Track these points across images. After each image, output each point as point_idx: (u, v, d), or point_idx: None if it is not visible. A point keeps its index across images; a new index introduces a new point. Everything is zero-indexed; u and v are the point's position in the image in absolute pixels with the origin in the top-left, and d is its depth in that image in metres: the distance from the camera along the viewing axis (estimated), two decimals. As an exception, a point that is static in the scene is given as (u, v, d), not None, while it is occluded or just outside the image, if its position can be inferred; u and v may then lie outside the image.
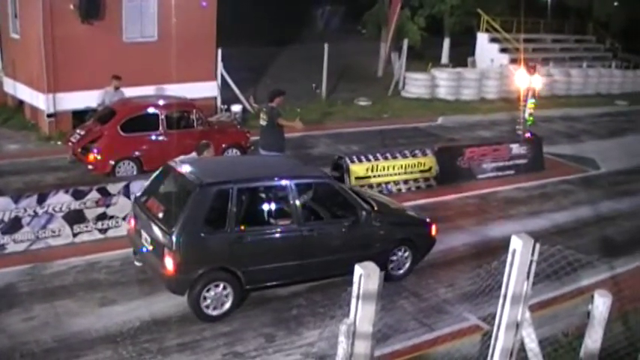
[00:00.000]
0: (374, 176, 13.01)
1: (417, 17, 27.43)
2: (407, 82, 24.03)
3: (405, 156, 13.49)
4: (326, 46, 21.08)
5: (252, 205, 8.62)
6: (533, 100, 15.67)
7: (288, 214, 8.52)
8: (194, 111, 13.51)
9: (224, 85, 18.75)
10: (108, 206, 10.07)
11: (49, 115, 15.58)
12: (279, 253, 8.29)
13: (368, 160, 13.05)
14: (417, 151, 13.77)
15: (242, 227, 8.07)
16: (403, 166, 13.36)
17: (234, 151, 13.81)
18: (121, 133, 12.64)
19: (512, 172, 14.94)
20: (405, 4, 26.04)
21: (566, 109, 23.85)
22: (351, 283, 4.63)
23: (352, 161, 12.87)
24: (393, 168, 13.25)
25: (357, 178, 12.73)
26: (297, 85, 20.86)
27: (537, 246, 5.16)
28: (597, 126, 21.90)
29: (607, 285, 8.56)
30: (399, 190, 13.27)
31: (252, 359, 7.32)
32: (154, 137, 12.93)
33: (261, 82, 21.62)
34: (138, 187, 9.73)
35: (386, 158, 13.26)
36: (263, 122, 11.32)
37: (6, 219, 9.32)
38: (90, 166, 12.54)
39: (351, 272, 4.61)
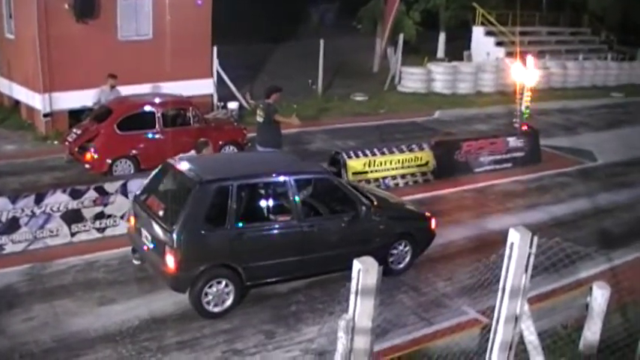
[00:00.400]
0: (371, 171, 13.02)
1: (412, 12, 27.41)
2: (403, 76, 24.02)
3: (402, 151, 13.50)
4: (321, 42, 21.04)
5: (252, 202, 8.64)
6: (528, 93, 15.68)
7: (287, 210, 8.54)
8: (190, 108, 13.51)
9: (220, 83, 18.74)
10: (105, 205, 10.06)
11: (45, 115, 15.54)
12: (280, 249, 8.30)
13: (365, 155, 13.06)
14: (413, 146, 13.78)
15: (242, 224, 8.09)
16: (400, 161, 13.36)
17: (232, 148, 13.80)
18: (118, 131, 12.62)
19: (509, 165, 14.95)
20: (401, -1, 26.05)
21: (563, 101, 23.85)
22: (349, 279, 4.64)
23: (349, 156, 12.88)
24: (391, 163, 13.25)
25: (355, 173, 12.74)
26: (294, 81, 20.84)
27: (535, 239, 5.16)
28: (594, 118, 21.90)
29: (605, 277, 8.58)
30: (397, 184, 13.28)
31: (251, 356, 7.33)
32: (150, 135, 12.91)
33: (258, 78, 21.60)
34: (135, 185, 9.73)
35: (383, 153, 13.26)
36: (260, 119, 11.32)
37: (3, 219, 9.31)
38: (87, 165, 12.52)
39: (352, 267, 4.61)
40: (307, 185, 9.13)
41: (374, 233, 8.91)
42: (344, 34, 28.85)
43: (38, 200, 9.53)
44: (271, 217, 8.60)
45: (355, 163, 12.83)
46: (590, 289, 6.31)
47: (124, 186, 10.15)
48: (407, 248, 9.33)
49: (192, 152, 9.82)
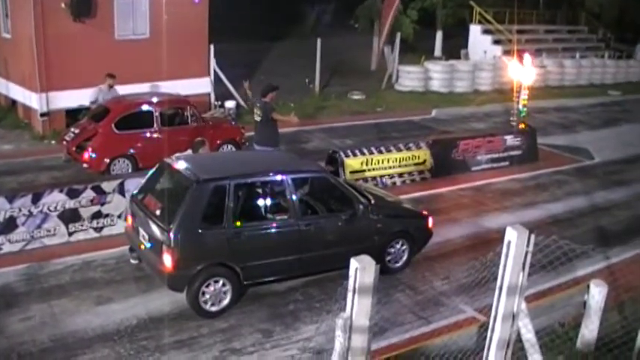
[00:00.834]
0: (369, 170, 13.02)
1: (409, 10, 27.43)
2: (400, 75, 24.02)
3: (399, 149, 13.50)
4: (319, 40, 21.04)
5: (250, 201, 8.64)
6: (525, 91, 15.69)
7: (285, 208, 8.54)
8: (188, 107, 13.50)
9: (217, 82, 18.72)
10: (103, 204, 10.05)
11: (42, 115, 15.53)
12: (277, 247, 8.30)
13: (362, 153, 13.06)
14: (411, 144, 13.78)
15: (239, 223, 8.08)
16: (398, 160, 13.36)
17: (229, 146, 13.81)
18: (116, 130, 12.61)
19: (506, 163, 14.96)
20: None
21: (560, 99, 23.87)
22: (347, 277, 4.64)
23: (347, 155, 12.87)
24: (388, 161, 13.25)
25: (352, 171, 12.74)
26: (291, 80, 20.84)
27: (532, 237, 5.16)
28: (591, 116, 21.93)
29: (602, 275, 8.61)
30: (394, 183, 13.29)
31: (249, 355, 7.33)
32: (148, 134, 12.91)
33: (255, 77, 21.56)
34: (133, 184, 9.71)
35: (380, 152, 13.27)
36: (257, 117, 11.31)
37: (1, 219, 9.30)
38: (85, 165, 12.50)
39: (349, 266, 4.62)
40: (305, 184, 9.13)
41: (371, 232, 8.91)
42: (341, 33, 28.88)
43: (35, 200, 9.51)
44: (269, 215, 8.61)
45: (353, 162, 12.83)
46: (588, 286, 6.32)
47: (122, 185, 10.14)
48: (404, 247, 9.33)
49: (189, 151, 9.82)
